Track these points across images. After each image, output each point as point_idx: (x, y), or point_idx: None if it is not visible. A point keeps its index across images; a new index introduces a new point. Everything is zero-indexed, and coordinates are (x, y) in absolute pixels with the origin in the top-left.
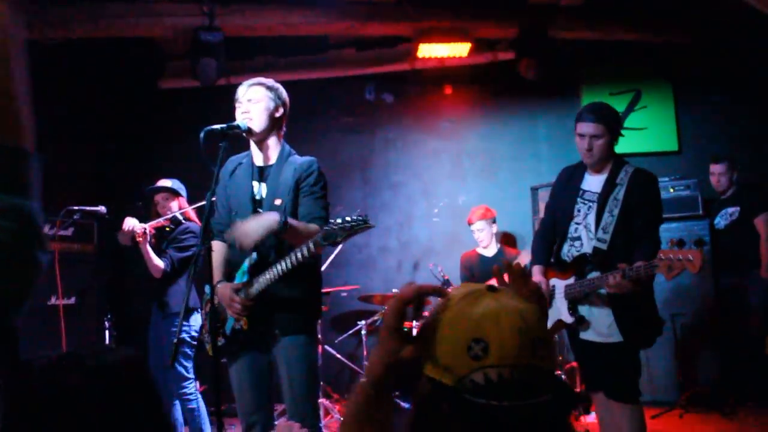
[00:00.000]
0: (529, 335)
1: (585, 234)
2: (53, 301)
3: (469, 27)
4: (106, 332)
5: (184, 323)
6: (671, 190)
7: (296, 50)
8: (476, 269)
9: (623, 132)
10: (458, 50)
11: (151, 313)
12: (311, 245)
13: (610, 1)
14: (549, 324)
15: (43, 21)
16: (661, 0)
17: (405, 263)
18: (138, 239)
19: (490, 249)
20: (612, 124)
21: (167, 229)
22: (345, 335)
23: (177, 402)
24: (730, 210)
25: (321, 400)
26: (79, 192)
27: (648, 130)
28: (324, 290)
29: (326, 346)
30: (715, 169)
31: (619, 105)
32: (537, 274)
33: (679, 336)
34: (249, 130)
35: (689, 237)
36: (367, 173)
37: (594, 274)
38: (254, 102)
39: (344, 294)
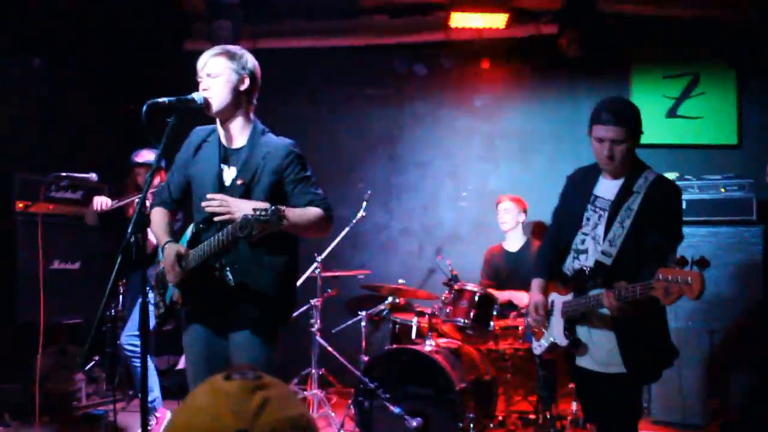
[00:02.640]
0: None
1: (593, 246)
2: (56, 265)
3: None
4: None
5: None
6: (722, 190)
7: (326, 14)
8: (501, 266)
9: (677, 120)
10: (495, 21)
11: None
12: (228, 235)
13: None
14: (544, 345)
15: None
16: None
17: (426, 248)
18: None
19: (514, 240)
20: (636, 126)
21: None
22: (344, 325)
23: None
24: None
25: (315, 391)
26: (102, 154)
27: (704, 120)
28: (335, 273)
29: (318, 338)
30: None
31: (674, 90)
32: (535, 290)
33: (716, 354)
34: (206, 106)
35: (738, 245)
36: (392, 150)
37: (595, 292)
38: (214, 76)
39: (361, 277)
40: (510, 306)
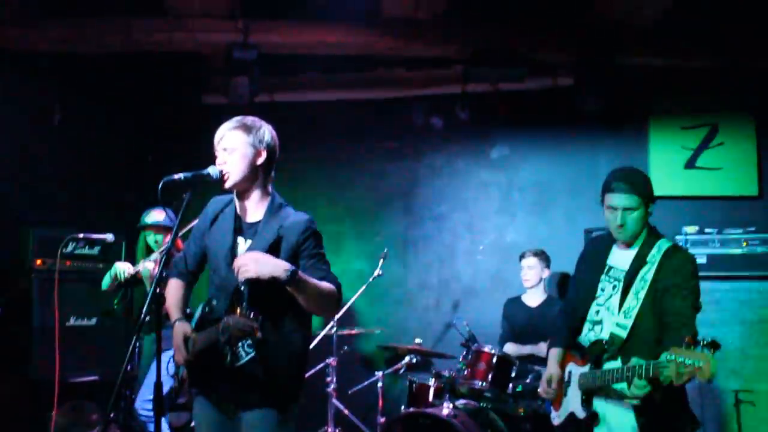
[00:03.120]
0: None
1: (607, 317)
2: (72, 321)
3: (525, 49)
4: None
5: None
6: (744, 245)
7: (343, 67)
8: (517, 319)
9: (696, 171)
10: (513, 75)
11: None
12: (214, 334)
13: (684, 22)
14: (563, 416)
15: (77, 34)
16: (742, 21)
17: (444, 302)
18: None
19: (534, 296)
20: (648, 195)
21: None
22: (360, 386)
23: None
24: None
25: None
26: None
27: (724, 171)
28: (352, 331)
29: (335, 401)
30: None
31: (692, 141)
32: (552, 362)
33: (741, 415)
34: (222, 180)
35: (762, 300)
36: (409, 203)
37: (611, 364)
38: (230, 150)
39: (377, 332)
40: (532, 359)
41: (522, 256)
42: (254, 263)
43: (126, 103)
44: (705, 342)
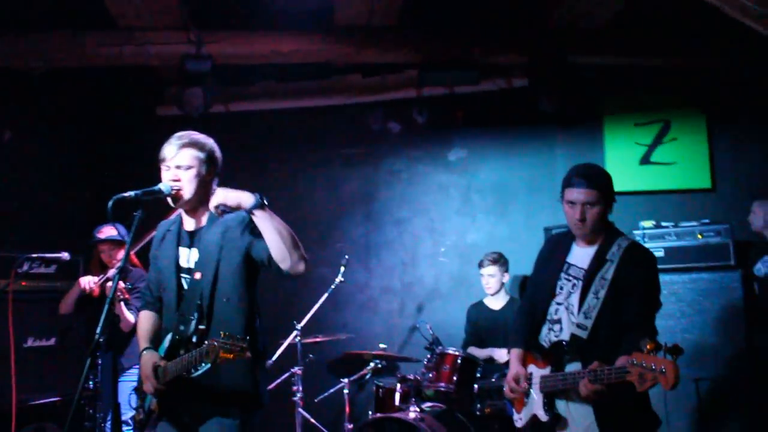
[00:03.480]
0: None
1: (566, 317)
2: (30, 342)
3: (478, 53)
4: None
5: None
6: (699, 237)
7: (298, 75)
8: (481, 322)
9: (650, 167)
10: (466, 78)
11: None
12: (194, 359)
13: (636, 22)
14: (524, 418)
15: (25, 49)
16: (693, 21)
17: (408, 306)
18: (124, 296)
19: (497, 300)
20: (607, 190)
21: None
22: (326, 394)
23: None
24: None
25: None
26: (75, 227)
27: (677, 165)
28: (316, 339)
29: (301, 410)
30: (758, 208)
31: (646, 137)
32: (514, 361)
33: (704, 402)
34: (175, 199)
35: (718, 290)
36: (369, 208)
37: (573, 366)
38: (184, 168)
39: (342, 338)
40: (490, 362)
41: (480, 265)
42: (222, 193)
43: (78, 118)
44: (667, 346)
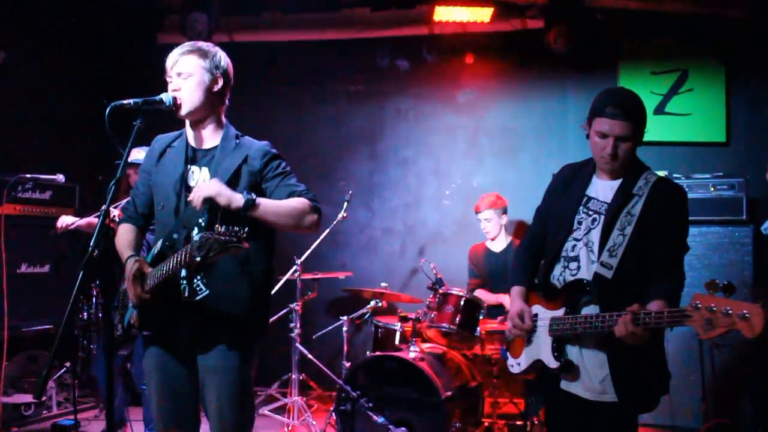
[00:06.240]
0: None
1: (585, 254)
2: (23, 269)
3: None
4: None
5: None
6: (712, 189)
7: (305, 6)
8: (482, 265)
9: (665, 117)
10: (480, 15)
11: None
12: (185, 255)
13: None
14: (524, 364)
15: None
16: None
17: (409, 248)
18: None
19: (498, 242)
20: (644, 123)
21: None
22: (324, 330)
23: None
24: None
25: (296, 398)
26: (71, 153)
27: (693, 117)
28: (315, 275)
29: (299, 346)
30: None
31: (662, 86)
32: (516, 299)
33: (716, 366)
34: (176, 107)
35: (729, 245)
36: (374, 147)
37: (590, 309)
38: (185, 76)
39: (342, 278)
40: (499, 309)
41: (477, 210)
42: (198, 192)
43: (77, 45)
44: (720, 285)
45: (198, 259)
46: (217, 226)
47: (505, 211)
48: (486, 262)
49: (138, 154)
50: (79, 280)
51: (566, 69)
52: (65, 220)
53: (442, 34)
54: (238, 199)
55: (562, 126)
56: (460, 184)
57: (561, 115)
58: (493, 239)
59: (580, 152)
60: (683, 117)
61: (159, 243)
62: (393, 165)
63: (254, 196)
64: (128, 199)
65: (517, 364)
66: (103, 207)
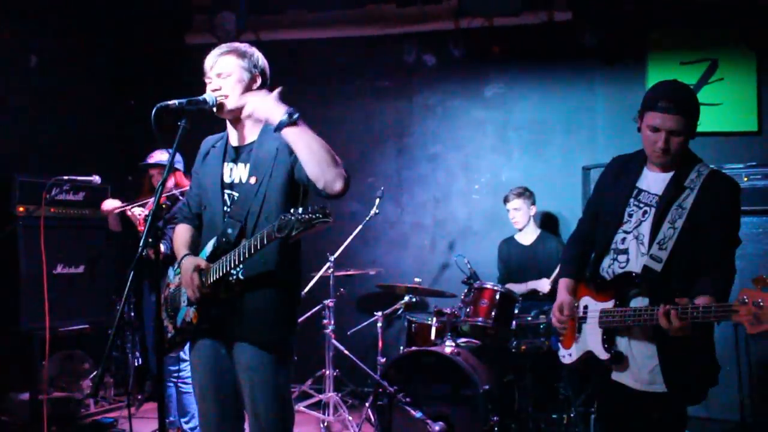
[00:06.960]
0: None
1: (635, 247)
2: (59, 269)
3: None
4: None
5: None
6: (745, 179)
7: (331, 4)
8: (512, 258)
9: None
10: (507, 8)
11: (143, 296)
12: (264, 237)
13: None
14: (575, 355)
15: None
16: None
17: (439, 243)
18: (139, 228)
19: (527, 234)
20: (697, 116)
21: (164, 206)
22: (359, 326)
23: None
24: None
25: (331, 394)
26: (101, 153)
27: (724, 107)
28: (348, 272)
29: (334, 341)
30: None
31: (692, 76)
32: (563, 291)
33: (743, 348)
34: (219, 107)
35: (764, 236)
36: (402, 143)
37: (639, 302)
38: (225, 76)
39: (373, 273)
40: (533, 296)
41: (506, 200)
42: (254, 101)
43: (106, 46)
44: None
45: (280, 237)
46: (292, 209)
47: (533, 202)
48: (515, 255)
49: (161, 156)
50: (129, 280)
51: (594, 61)
52: (112, 203)
53: (468, 28)
54: (277, 115)
55: (590, 119)
56: (489, 179)
57: (589, 107)
58: (521, 229)
59: (609, 145)
60: (714, 107)
61: (212, 242)
62: (422, 160)
63: (295, 114)
64: (152, 198)
65: (568, 355)
66: (152, 207)
